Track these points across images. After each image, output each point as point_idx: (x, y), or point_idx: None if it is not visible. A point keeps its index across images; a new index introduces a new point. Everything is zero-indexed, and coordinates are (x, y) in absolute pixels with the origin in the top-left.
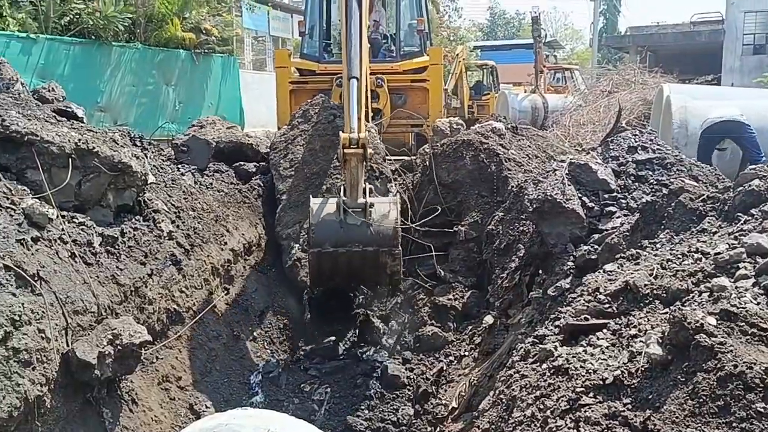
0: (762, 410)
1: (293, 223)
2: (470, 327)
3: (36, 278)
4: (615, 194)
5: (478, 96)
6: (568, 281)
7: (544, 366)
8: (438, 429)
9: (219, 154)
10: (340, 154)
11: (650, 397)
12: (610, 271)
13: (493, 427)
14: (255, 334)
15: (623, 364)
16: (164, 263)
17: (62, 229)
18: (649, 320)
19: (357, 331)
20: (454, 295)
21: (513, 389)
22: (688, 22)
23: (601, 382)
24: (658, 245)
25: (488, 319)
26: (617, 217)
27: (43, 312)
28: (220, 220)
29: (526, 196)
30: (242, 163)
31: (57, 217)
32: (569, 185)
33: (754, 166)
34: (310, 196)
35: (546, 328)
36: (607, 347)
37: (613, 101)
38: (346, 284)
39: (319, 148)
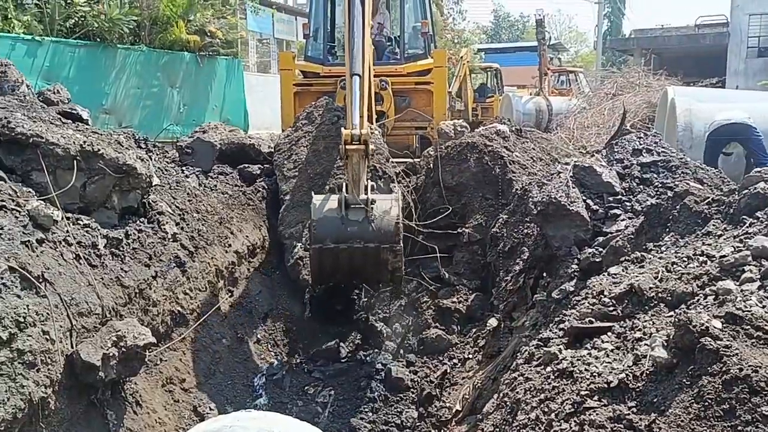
0: (767, 413)
1: (296, 223)
2: (474, 330)
3: (41, 280)
4: (619, 197)
5: (482, 98)
6: (573, 284)
7: (549, 369)
8: None
9: (223, 156)
10: (342, 150)
11: (655, 400)
12: (615, 274)
13: (498, 429)
14: (259, 336)
15: (628, 367)
16: (168, 265)
17: (67, 231)
18: (654, 323)
19: (359, 334)
20: (458, 298)
21: (517, 392)
22: (693, 24)
23: (606, 386)
24: (663, 248)
25: (492, 322)
26: (622, 220)
27: (47, 314)
28: (224, 222)
29: (530, 199)
30: (246, 165)
31: (62, 218)
32: (573, 188)
33: (759, 169)
34: (312, 193)
35: (550, 331)
36: (611, 350)
37: (617, 104)
38: (347, 281)
39: (323, 149)
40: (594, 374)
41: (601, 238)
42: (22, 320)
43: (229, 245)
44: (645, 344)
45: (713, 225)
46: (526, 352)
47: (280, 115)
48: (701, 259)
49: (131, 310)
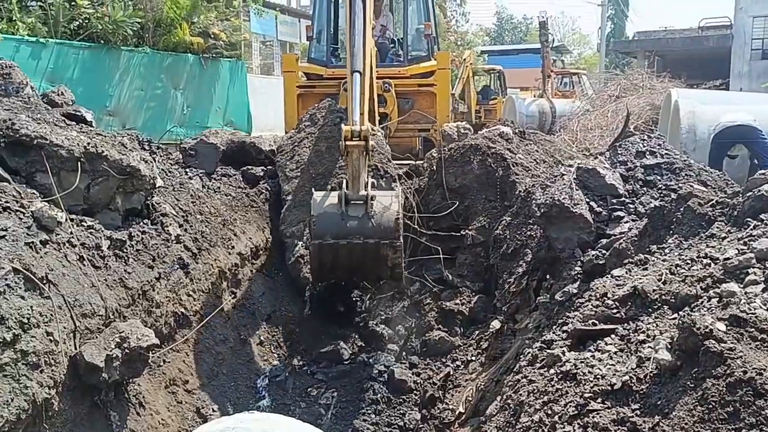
0: None
1: (297, 222)
2: (477, 332)
3: (44, 281)
4: (623, 199)
5: (485, 100)
6: (576, 286)
7: (552, 371)
8: None
9: (226, 158)
10: (342, 146)
11: (659, 403)
12: (618, 276)
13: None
14: (262, 337)
15: (632, 369)
16: (172, 267)
17: (71, 233)
18: (657, 326)
19: (361, 337)
20: (461, 300)
21: (520, 394)
22: (696, 27)
23: (610, 388)
24: (667, 250)
25: (495, 324)
26: (625, 222)
27: (51, 315)
28: (227, 224)
29: (533, 201)
30: (249, 167)
31: (66, 220)
32: (577, 190)
33: (763, 171)
34: (313, 189)
35: (553, 333)
36: (615, 353)
37: (620, 106)
38: (347, 278)
39: (325, 150)
40: (597, 376)
41: (604, 241)
42: (26, 321)
43: (232, 247)
44: (649, 347)
45: (717, 227)
46: (530, 354)
47: (283, 117)
48: (705, 261)
49: (134, 311)
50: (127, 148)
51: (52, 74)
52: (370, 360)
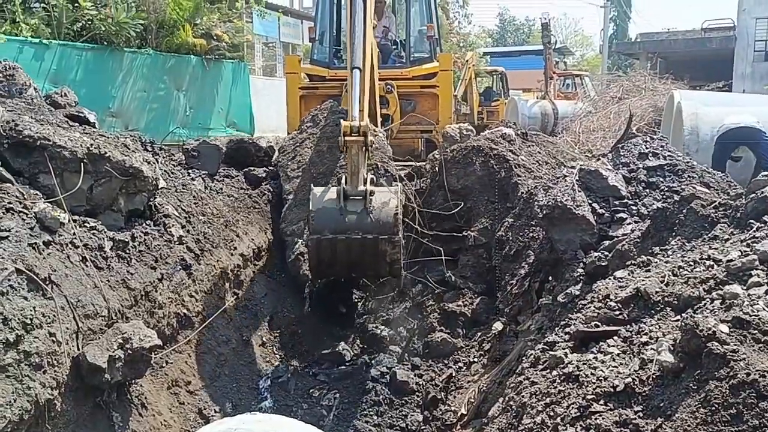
0: None
1: (297, 220)
2: (479, 333)
3: (47, 282)
4: (626, 201)
5: (487, 102)
6: (578, 288)
7: (555, 373)
8: None
9: (227, 159)
10: (341, 141)
11: (662, 404)
12: (621, 278)
13: None
14: (264, 339)
15: (634, 371)
16: (174, 268)
17: (74, 234)
18: (660, 327)
19: (363, 338)
20: (463, 301)
21: (523, 396)
22: (699, 28)
23: (612, 390)
24: (670, 252)
25: (498, 326)
26: (628, 224)
27: (54, 316)
28: (229, 225)
29: (536, 203)
30: (252, 168)
31: (69, 221)
32: (579, 191)
33: (766, 173)
34: (312, 185)
35: (556, 334)
36: (618, 354)
37: (623, 107)
38: (346, 274)
39: (327, 150)
40: (600, 378)
41: (607, 242)
42: (29, 322)
43: (235, 248)
44: (651, 348)
45: (720, 229)
46: (532, 356)
47: (286, 119)
48: (708, 263)
49: (137, 312)
50: (129, 149)
51: (55, 75)
52: (372, 361)
